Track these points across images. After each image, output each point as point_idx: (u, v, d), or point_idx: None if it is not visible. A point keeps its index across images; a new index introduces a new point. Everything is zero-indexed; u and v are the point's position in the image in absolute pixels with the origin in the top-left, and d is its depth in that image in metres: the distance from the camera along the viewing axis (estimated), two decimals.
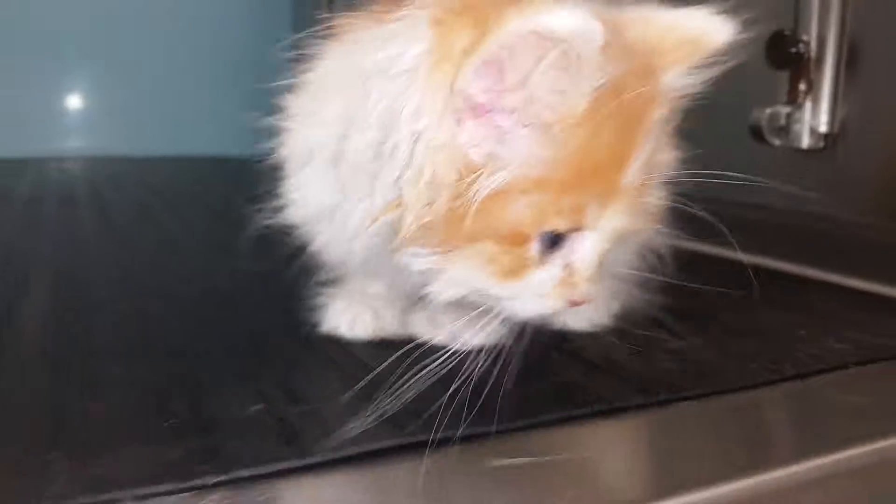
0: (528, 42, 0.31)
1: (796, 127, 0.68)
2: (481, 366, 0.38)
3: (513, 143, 0.34)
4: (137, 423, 0.36)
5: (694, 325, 0.52)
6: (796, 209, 0.71)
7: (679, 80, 0.39)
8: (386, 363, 0.38)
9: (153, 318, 0.53)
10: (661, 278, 0.50)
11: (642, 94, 0.35)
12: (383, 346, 0.45)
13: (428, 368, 0.37)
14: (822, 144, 0.68)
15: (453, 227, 0.34)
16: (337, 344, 0.47)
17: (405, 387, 0.36)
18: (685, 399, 0.40)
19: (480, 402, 0.35)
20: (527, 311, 0.37)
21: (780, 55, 0.67)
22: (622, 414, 0.38)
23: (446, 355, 0.37)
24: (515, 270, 0.35)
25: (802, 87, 0.68)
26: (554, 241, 0.35)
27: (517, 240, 0.35)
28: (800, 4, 0.66)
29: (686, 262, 0.50)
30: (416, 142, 0.33)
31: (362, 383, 0.38)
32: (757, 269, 0.51)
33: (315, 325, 0.48)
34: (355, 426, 0.34)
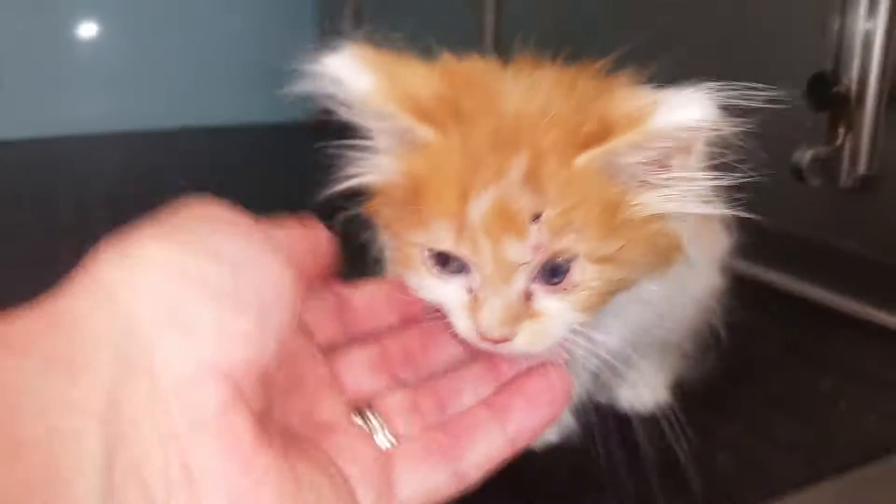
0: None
1: (835, 168, 0.69)
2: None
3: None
4: None
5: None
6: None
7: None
8: None
9: None
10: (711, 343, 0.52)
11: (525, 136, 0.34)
12: None
13: None
14: (859, 184, 0.69)
15: None
16: None
17: None
18: None
19: None
20: (455, 322, 0.36)
21: (821, 97, 0.67)
22: None
23: None
24: (404, 261, 0.37)
25: (842, 128, 0.68)
26: (443, 260, 0.35)
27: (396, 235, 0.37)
28: (841, 46, 0.66)
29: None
30: None
31: None
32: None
33: None
34: None
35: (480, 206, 0.33)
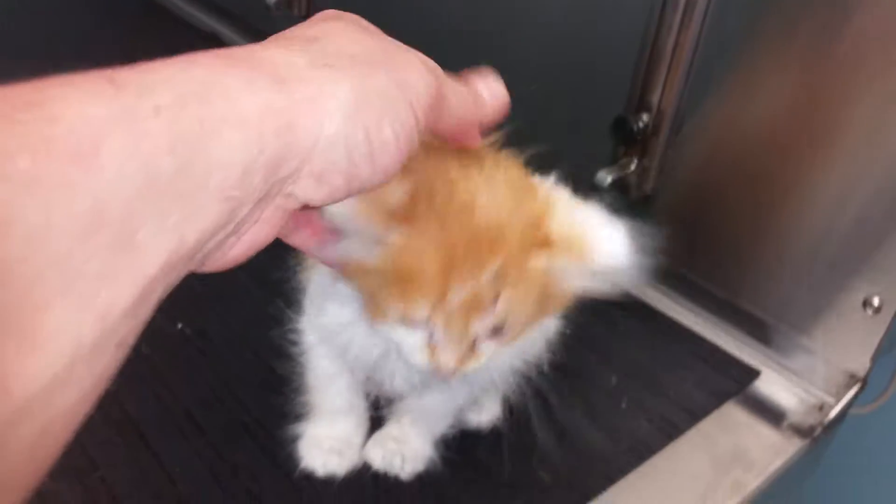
0: None
1: (626, 186, 0.84)
2: None
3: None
4: None
5: None
6: None
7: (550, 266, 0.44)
8: None
9: None
10: None
11: (484, 244, 0.42)
12: None
13: None
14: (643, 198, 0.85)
15: None
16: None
17: None
18: None
19: None
20: (410, 356, 0.46)
21: (622, 134, 0.80)
22: None
23: None
24: (376, 313, 0.45)
25: (635, 158, 0.82)
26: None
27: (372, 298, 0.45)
28: (643, 94, 0.78)
29: None
30: None
31: None
32: None
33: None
34: None
35: (459, 296, 0.42)
